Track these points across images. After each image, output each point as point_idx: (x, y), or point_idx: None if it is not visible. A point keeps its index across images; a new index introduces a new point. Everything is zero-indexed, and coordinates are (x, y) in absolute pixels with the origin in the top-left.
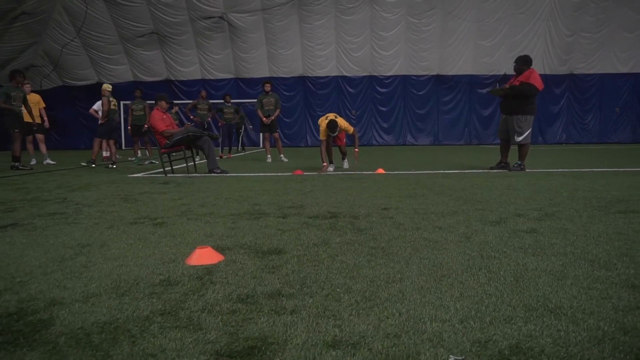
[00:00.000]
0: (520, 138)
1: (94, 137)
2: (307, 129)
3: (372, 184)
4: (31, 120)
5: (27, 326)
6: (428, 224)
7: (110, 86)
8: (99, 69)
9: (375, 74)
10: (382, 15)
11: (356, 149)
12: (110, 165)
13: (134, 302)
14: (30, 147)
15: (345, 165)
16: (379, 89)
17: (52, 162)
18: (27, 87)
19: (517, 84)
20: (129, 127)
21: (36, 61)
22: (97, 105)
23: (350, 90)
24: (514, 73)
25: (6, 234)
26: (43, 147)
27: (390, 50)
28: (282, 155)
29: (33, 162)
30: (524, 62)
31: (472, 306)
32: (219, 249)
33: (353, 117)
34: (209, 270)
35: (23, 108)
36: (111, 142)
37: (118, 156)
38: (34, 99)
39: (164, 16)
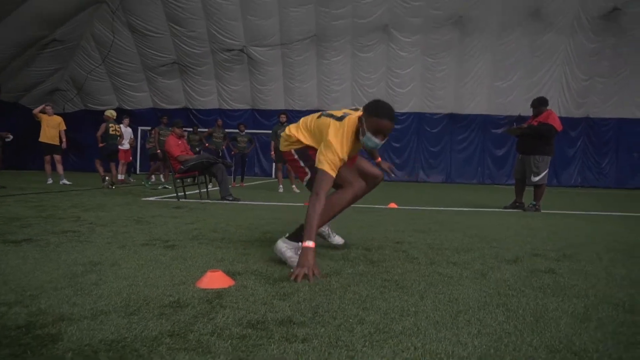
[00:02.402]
0: (537, 178)
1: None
2: None
3: (384, 218)
4: (50, 142)
5: (35, 340)
6: (442, 259)
7: (114, 113)
8: (121, 95)
9: None
10: (399, 54)
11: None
12: (109, 186)
13: (143, 321)
14: (47, 167)
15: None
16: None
17: (68, 183)
18: (48, 109)
19: (536, 124)
20: (159, 151)
21: (61, 85)
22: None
23: None
24: (531, 115)
25: (20, 249)
26: (60, 168)
27: (406, 88)
28: (294, 186)
29: (49, 181)
30: (540, 103)
31: (491, 344)
32: (229, 273)
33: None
34: (219, 294)
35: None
36: (112, 164)
37: (131, 179)
38: (56, 121)
39: (187, 47)
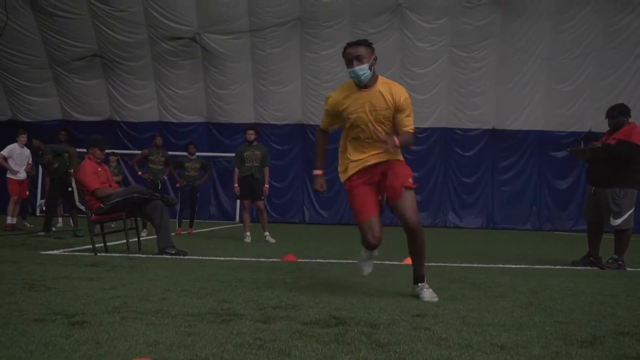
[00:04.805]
0: (619, 221)
1: None
2: (305, 197)
3: (398, 279)
4: None
5: None
6: (484, 341)
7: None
8: (15, 101)
9: None
10: (417, 45)
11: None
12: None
13: None
14: None
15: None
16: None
17: None
18: None
19: (613, 142)
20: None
21: None
22: (8, 151)
23: None
24: (605, 130)
25: None
26: None
27: (427, 94)
28: (267, 234)
29: None
30: (621, 113)
31: None
32: None
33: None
34: None
35: None
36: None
37: (27, 224)
38: None
39: (114, 34)
